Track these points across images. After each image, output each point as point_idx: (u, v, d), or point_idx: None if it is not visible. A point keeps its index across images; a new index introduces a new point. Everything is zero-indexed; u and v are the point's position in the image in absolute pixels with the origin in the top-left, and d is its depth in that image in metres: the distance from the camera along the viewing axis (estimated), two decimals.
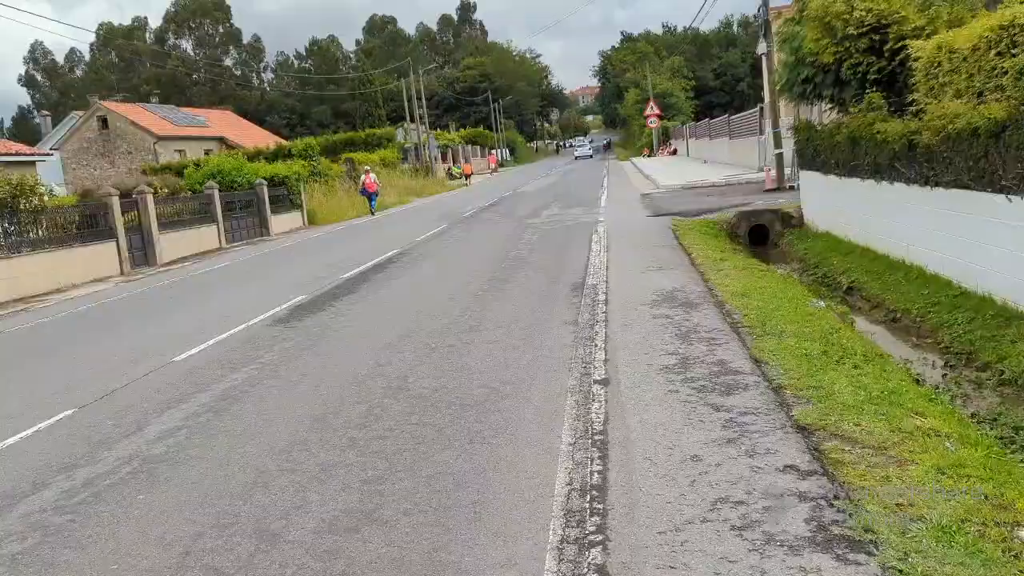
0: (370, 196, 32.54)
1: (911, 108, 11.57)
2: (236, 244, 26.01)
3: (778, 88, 15.68)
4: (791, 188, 21.68)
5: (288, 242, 24.18)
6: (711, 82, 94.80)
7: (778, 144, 22.84)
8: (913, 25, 12.94)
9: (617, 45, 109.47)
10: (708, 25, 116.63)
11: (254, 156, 39.58)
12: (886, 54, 13.13)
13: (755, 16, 26.29)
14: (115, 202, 20.12)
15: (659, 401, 5.73)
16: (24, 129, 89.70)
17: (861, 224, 12.94)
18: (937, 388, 7.03)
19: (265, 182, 28.32)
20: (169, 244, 22.34)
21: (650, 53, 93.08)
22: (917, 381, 7.06)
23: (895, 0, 13.11)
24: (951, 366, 7.70)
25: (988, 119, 7.95)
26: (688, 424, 5.23)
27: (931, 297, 9.43)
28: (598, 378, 6.44)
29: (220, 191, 26.26)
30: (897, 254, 11.28)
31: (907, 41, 12.56)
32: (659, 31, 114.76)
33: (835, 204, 14.37)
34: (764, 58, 24.91)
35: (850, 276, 11.77)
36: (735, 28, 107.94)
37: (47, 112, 78.73)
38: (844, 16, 13.15)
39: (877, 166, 11.77)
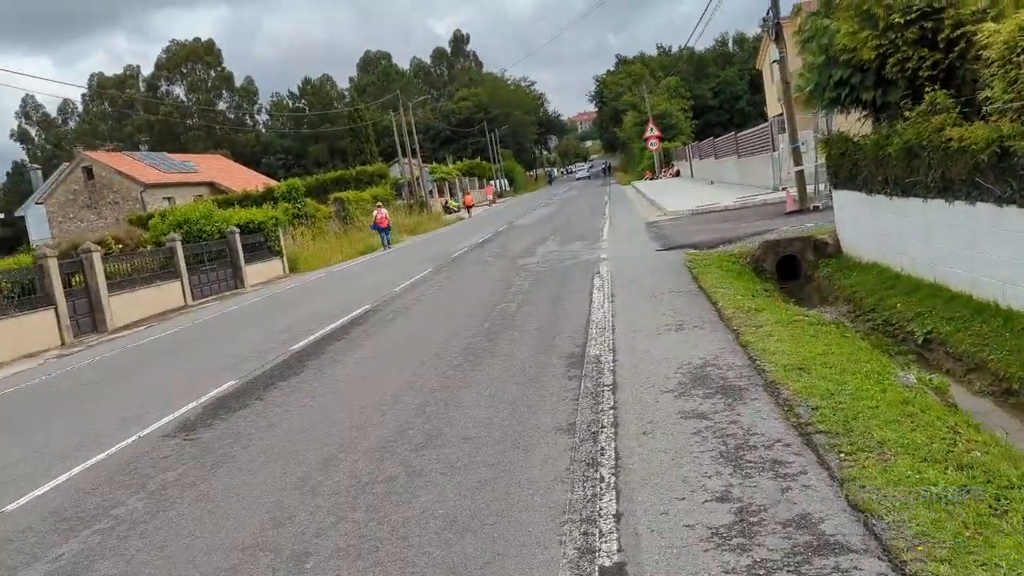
0: (383, 231, 32.71)
1: (989, 107, 9.12)
2: (205, 299, 23.64)
3: (806, 94, 13.22)
4: (815, 209, 19.23)
5: (257, 296, 21.74)
6: (709, 101, 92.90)
7: (798, 161, 20.44)
8: (973, 8, 10.54)
9: (612, 69, 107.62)
10: (703, 44, 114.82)
11: (239, 200, 37.39)
12: (941, 45, 10.72)
13: (762, 20, 24.00)
14: (52, 264, 17.76)
15: None
16: (20, 184, 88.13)
17: (926, 255, 10.41)
18: None
19: (238, 230, 26.01)
20: (122, 306, 19.94)
21: (646, 75, 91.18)
22: None
23: None
24: None
25: None
26: None
27: None
28: (608, 563, 3.91)
29: (187, 242, 23.99)
30: (986, 295, 8.75)
31: (968, 27, 10.18)
32: (654, 53, 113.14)
33: (885, 229, 11.86)
34: (776, 66, 22.56)
35: (924, 324, 9.22)
36: (731, 46, 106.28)
37: (38, 166, 77.29)
38: (888, 1, 10.77)
39: (948, 182, 9.29)
